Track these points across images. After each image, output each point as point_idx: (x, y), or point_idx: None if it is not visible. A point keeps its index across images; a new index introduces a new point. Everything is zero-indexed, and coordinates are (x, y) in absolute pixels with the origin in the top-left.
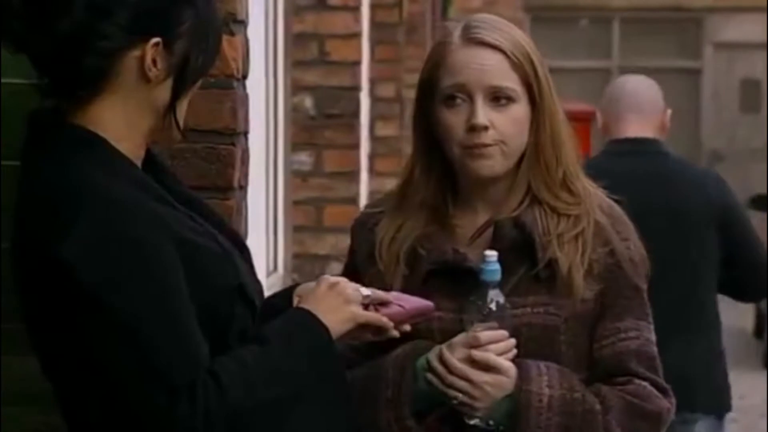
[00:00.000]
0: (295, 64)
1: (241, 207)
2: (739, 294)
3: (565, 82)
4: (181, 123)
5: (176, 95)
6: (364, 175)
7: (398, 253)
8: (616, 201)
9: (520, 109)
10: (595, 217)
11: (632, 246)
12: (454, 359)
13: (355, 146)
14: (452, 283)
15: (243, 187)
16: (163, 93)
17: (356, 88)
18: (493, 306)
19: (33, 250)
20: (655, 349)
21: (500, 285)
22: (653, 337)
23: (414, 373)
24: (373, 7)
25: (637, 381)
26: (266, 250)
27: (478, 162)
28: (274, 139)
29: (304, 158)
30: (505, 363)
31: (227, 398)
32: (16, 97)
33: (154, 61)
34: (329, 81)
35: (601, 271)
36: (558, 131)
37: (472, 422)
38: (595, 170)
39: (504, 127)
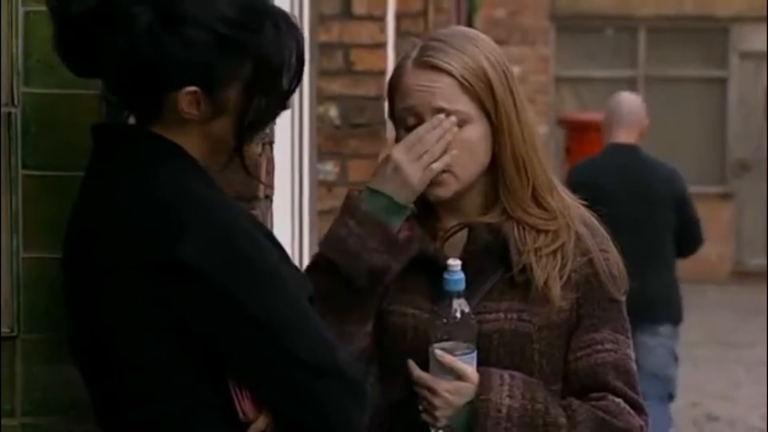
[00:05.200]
0: (320, 73)
1: (267, 217)
2: (683, 249)
3: (591, 92)
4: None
5: (240, 139)
6: None
7: None
8: (596, 213)
9: (475, 131)
10: (576, 229)
11: (611, 258)
12: (416, 367)
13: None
14: (429, 284)
15: (268, 197)
16: (218, 128)
17: (381, 98)
18: (458, 315)
19: (146, 254)
20: (633, 364)
21: (465, 294)
22: (631, 352)
23: None
24: (399, 17)
25: (611, 397)
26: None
27: (430, 188)
28: (300, 148)
29: (330, 168)
30: (468, 369)
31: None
32: (40, 107)
33: (197, 104)
34: (354, 91)
35: (578, 281)
36: (519, 151)
37: None
38: (596, 163)
39: (455, 151)
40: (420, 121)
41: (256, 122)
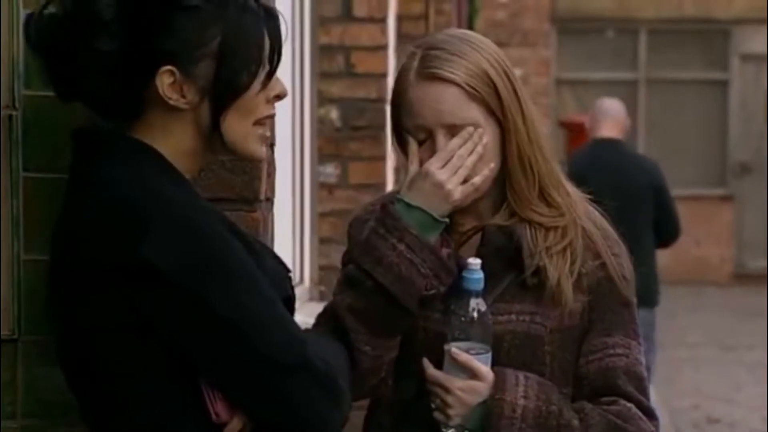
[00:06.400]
0: (321, 75)
1: (268, 219)
2: (662, 240)
3: (592, 94)
4: (238, 138)
5: (215, 115)
6: (390, 188)
7: None
8: (602, 207)
9: (486, 137)
10: (582, 225)
11: (623, 262)
12: (429, 365)
13: (381, 158)
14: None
15: (269, 199)
16: (206, 111)
17: (382, 100)
18: (474, 314)
19: (111, 255)
20: (644, 369)
21: (483, 293)
22: (642, 357)
23: None
24: (400, 19)
25: (622, 402)
26: (292, 262)
27: None
28: (300, 150)
29: (330, 170)
30: (483, 368)
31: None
32: (41, 109)
33: (180, 88)
34: (355, 93)
35: (590, 284)
36: (525, 151)
37: (448, 431)
38: (581, 156)
39: (493, 164)
40: (430, 136)
41: (233, 95)
